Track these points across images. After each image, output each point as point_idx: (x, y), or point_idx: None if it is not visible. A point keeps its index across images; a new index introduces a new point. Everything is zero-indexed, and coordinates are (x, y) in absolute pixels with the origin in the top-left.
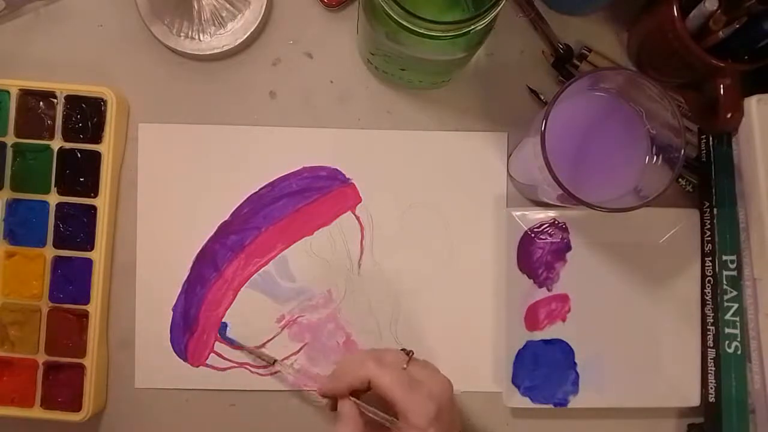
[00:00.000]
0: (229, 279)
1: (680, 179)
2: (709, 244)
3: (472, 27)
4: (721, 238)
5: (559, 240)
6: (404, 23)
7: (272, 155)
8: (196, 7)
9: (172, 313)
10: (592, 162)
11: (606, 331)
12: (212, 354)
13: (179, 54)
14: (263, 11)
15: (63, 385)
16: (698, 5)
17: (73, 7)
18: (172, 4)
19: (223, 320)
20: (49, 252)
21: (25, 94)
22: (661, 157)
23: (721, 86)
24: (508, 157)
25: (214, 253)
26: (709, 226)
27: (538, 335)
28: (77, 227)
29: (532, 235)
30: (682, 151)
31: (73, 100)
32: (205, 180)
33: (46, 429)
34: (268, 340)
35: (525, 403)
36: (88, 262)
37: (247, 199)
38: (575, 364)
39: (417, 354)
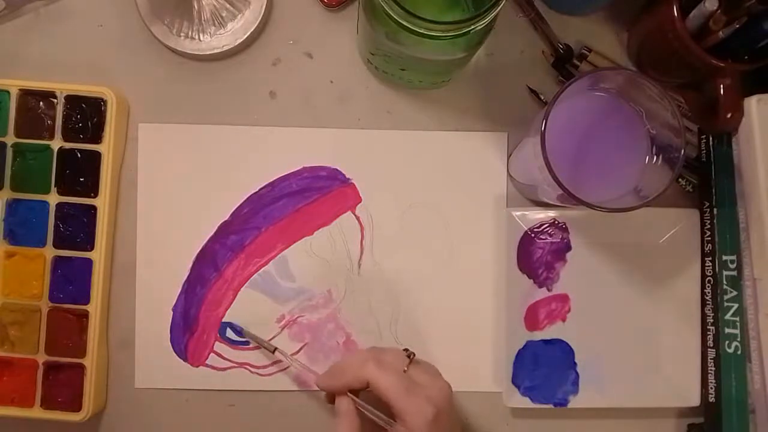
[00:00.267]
0: (229, 279)
1: (680, 179)
2: (709, 244)
3: (472, 27)
4: (721, 238)
5: (559, 240)
6: (404, 23)
7: (272, 155)
8: (196, 7)
9: (172, 313)
10: (592, 162)
11: (606, 331)
12: (212, 354)
13: (179, 54)
14: (263, 11)
15: (63, 385)
16: (698, 5)
17: (73, 7)
18: (172, 4)
19: (224, 320)
20: (49, 252)
21: (25, 94)
22: (661, 157)
23: (721, 86)
24: (508, 157)
25: (214, 253)
26: (709, 226)
27: (538, 335)
28: (77, 227)
29: (532, 235)
30: (682, 151)
31: (73, 100)
32: (205, 180)
33: (46, 429)
34: (269, 340)
35: (525, 403)
36: (88, 262)
37: (247, 199)
38: (575, 364)
39: (417, 353)
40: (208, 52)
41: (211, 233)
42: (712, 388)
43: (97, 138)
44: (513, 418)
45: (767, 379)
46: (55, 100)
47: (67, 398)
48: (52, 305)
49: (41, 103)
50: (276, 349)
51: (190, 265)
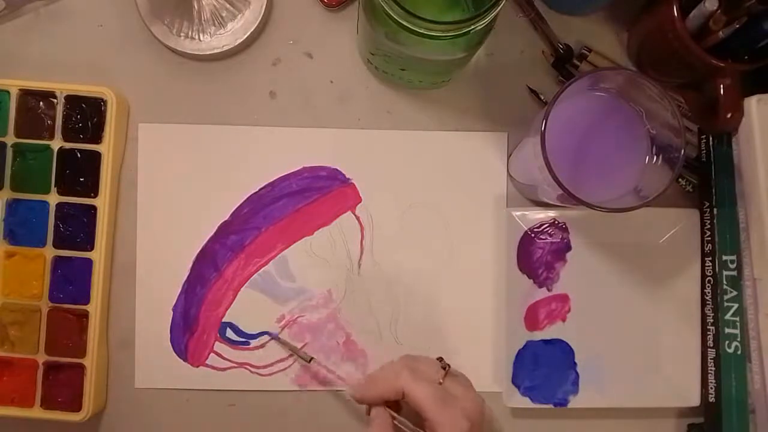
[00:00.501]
0: (229, 279)
1: (680, 179)
2: (709, 244)
3: (472, 27)
4: (721, 238)
5: (559, 240)
6: (404, 23)
7: (272, 155)
8: (196, 7)
9: (172, 313)
10: (592, 162)
11: (606, 331)
12: (212, 354)
13: (179, 54)
14: (263, 11)
15: (63, 385)
16: (698, 5)
17: (73, 7)
18: (172, 4)
19: (224, 320)
20: (49, 252)
21: (25, 94)
22: (661, 157)
23: (721, 86)
24: (508, 157)
25: (214, 253)
26: (709, 226)
27: (538, 335)
28: (77, 227)
29: (532, 235)
30: (682, 151)
31: (73, 100)
32: (205, 180)
33: (46, 429)
34: (269, 340)
35: (525, 403)
36: (88, 262)
37: (247, 199)
38: (575, 364)
39: (417, 353)
40: (208, 52)
41: (211, 233)
42: (712, 388)
43: (97, 138)
44: (513, 418)
45: (767, 379)
46: (55, 100)
47: (67, 398)
48: (52, 305)
49: (41, 103)
50: (312, 358)
51: (190, 265)
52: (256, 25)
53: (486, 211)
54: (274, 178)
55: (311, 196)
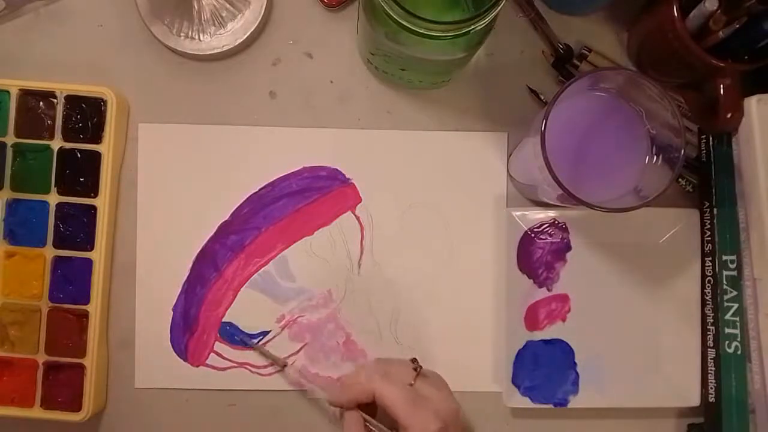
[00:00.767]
0: (229, 279)
1: (680, 179)
2: (709, 244)
3: (472, 27)
4: (721, 238)
5: (559, 240)
6: (404, 23)
7: (272, 155)
8: (196, 7)
9: (172, 313)
10: (592, 162)
11: (606, 331)
12: (212, 354)
13: (179, 54)
14: (263, 11)
15: (63, 385)
16: (698, 5)
17: (73, 7)
18: (172, 4)
19: (224, 320)
20: (49, 252)
21: (25, 94)
22: (661, 157)
23: (721, 86)
24: (508, 157)
25: (214, 253)
26: (709, 226)
27: (538, 335)
28: (77, 227)
29: (532, 235)
30: (682, 151)
31: (73, 100)
32: (205, 180)
33: (46, 429)
34: (269, 340)
35: (525, 403)
36: (88, 262)
37: (247, 199)
38: (575, 364)
39: (417, 353)
40: (208, 52)
41: (211, 233)
42: (712, 388)
43: (97, 138)
44: (513, 418)
45: (767, 379)
46: (55, 100)
47: (67, 398)
48: (52, 305)
49: (41, 103)
50: (287, 364)
51: (190, 265)
52: (256, 25)
53: (486, 211)
54: (274, 178)
55: (311, 196)
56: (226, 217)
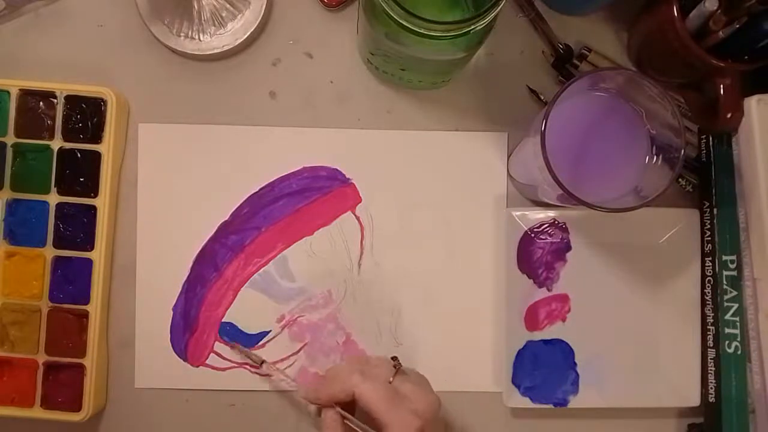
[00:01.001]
0: (229, 279)
1: (680, 179)
2: (709, 244)
3: (472, 27)
4: (721, 238)
5: (559, 240)
6: (404, 23)
7: (272, 155)
8: (196, 7)
9: (172, 313)
10: (592, 162)
11: (606, 331)
12: (212, 354)
13: (179, 54)
14: (263, 11)
15: (63, 385)
16: (698, 5)
17: (73, 7)
18: (172, 4)
19: (224, 320)
20: (49, 252)
21: (25, 94)
22: (661, 157)
23: (721, 86)
24: (508, 157)
25: (214, 253)
26: (709, 226)
27: (538, 335)
28: (77, 227)
29: (532, 235)
30: (682, 151)
31: (73, 100)
32: (205, 180)
33: (46, 429)
34: (269, 340)
35: (525, 403)
36: (88, 262)
37: (247, 199)
38: (575, 364)
39: (417, 353)
40: (208, 52)
41: (211, 233)
42: (712, 388)
43: (97, 138)
44: (513, 418)
45: (767, 379)
46: (55, 100)
47: (67, 398)
48: (52, 305)
49: (41, 103)
50: (264, 362)
51: (190, 265)
52: (256, 25)
53: (486, 211)
54: (274, 178)
55: (311, 196)
56: (226, 217)
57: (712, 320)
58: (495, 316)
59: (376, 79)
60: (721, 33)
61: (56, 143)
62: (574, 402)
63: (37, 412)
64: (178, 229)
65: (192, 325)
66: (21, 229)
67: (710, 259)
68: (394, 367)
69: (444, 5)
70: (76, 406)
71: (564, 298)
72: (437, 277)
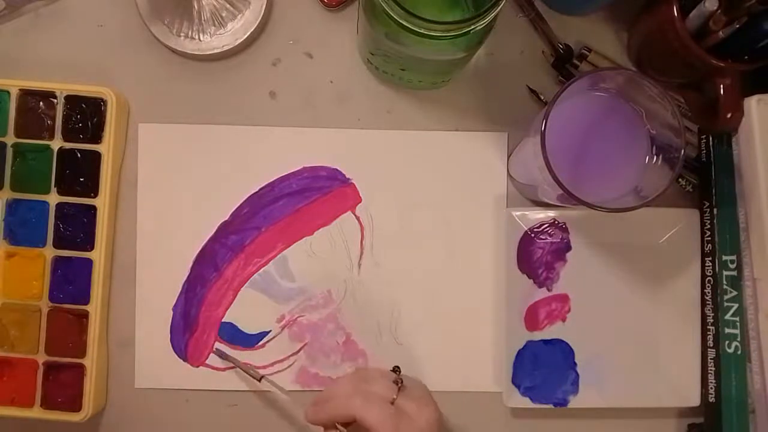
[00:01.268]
0: (229, 279)
1: (680, 179)
2: (709, 244)
3: (472, 27)
4: (721, 238)
5: (559, 240)
6: (404, 23)
7: (272, 155)
8: (196, 7)
9: (172, 313)
10: (592, 162)
11: (606, 331)
12: (212, 354)
13: (179, 54)
14: (263, 11)
15: (63, 385)
16: (698, 5)
17: (73, 7)
18: (172, 4)
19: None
20: (49, 252)
21: (25, 94)
22: (661, 157)
23: (721, 86)
24: (508, 157)
25: (214, 253)
26: (709, 226)
27: (538, 335)
28: (77, 227)
29: (532, 235)
30: (682, 151)
31: (73, 100)
32: (205, 180)
33: (46, 429)
34: (268, 340)
35: (525, 403)
36: (88, 262)
37: (247, 199)
38: (575, 364)
39: (417, 353)
40: (208, 52)
41: (211, 233)
42: (712, 388)
43: (97, 138)
44: (513, 418)
45: (767, 379)
46: (55, 100)
47: (67, 398)
48: (52, 305)
49: (41, 103)
50: (263, 377)
51: (190, 265)
52: (256, 25)
53: (486, 211)
54: (274, 178)
55: (311, 196)
56: (226, 217)
57: (712, 320)
58: (495, 316)
59: (376, 79)
60: (721, 33)
61: (56, 143)
62: (574, 402)
63: (37, 412)
64: (178, 229)
65: (192, 325)
66: (21, 229)
67: (710, 259)
68: (395, 382)
69: (444, 5)
70: (76, 406)
71: (564, 298)
72: (437, 277)
